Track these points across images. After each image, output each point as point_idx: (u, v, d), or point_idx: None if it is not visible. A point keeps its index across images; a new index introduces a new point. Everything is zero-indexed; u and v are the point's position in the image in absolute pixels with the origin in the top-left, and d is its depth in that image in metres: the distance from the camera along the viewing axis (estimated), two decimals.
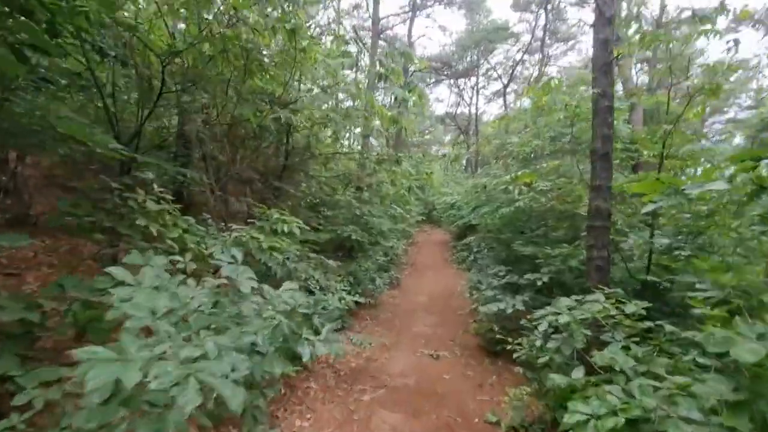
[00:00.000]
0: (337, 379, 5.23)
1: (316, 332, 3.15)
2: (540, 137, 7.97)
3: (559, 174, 7.76)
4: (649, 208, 2.77)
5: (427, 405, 4.75)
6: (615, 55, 5.10)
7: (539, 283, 5.35)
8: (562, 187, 6.40)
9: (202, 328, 1.99)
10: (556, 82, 5.91)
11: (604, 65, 4.95)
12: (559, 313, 3.37)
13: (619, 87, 12.86)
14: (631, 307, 3.08)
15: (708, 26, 5.23)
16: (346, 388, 5.01)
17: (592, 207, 4.85)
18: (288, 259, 5.46)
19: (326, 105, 7.77)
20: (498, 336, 4.53)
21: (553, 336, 3.32)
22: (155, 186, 3.12)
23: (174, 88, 4.57)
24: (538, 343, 3.34)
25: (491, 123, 14.44)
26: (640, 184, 2.65)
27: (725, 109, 22.14)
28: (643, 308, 3.26)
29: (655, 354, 2.79)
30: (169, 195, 3.13)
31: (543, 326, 3.37)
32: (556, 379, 2.69)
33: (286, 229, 3.43)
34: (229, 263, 2.78)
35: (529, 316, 3.92)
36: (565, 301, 3.68)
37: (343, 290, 5.62)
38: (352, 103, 9.12)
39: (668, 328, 3.17)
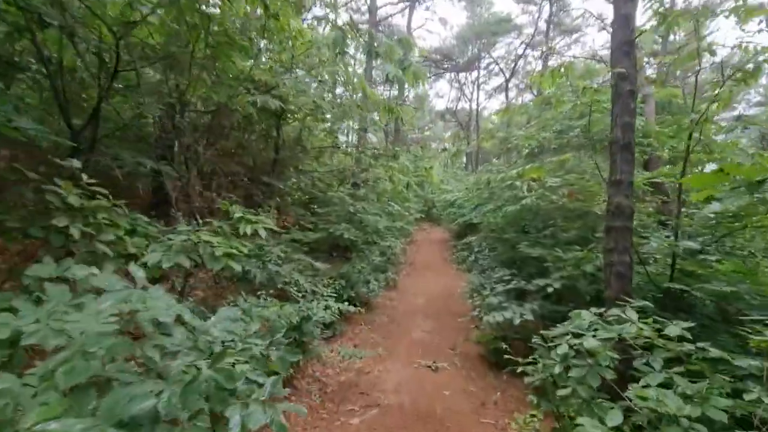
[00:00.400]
0: (324, 396, 4.64)
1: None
2: (546, 130, 7.35)
3: (566, 169, 7.15)
4: (714, 208, 2.18)
5: (424, 431, 4.16)
6: (637, 34, 4.49)
7: (550, 289, 4.76)
8: (574, 183, 5.80)
9: (74, 383, 1.38)
10: (565, 69, 5.28)
11: (625, 44, 4.33)
12: (581, 334, 2.77)
13: None
14: (673, 329, 2.48)
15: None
16: (333, 409, 4.42)
17: (611, 205, 4.25)
18: (270, 261, 4.87)
19: (314, 90, 7.11)
20: (506, 354, 3.91)
21: (574, 361, 2.72)
22: (84, 177, 2.52)
23: (133, 65, 3.96)
24: (556, 369, 2.75)
25: (495, 114, 13.78)
26: (699, 177, 2.07)
27: (734, 105, 21.52)
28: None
29: (707, 389, 2.19)
30: (103, 189, 2.54)
31: (562, 349, 2.78)
32: (587, 426, 2.09)
33: (248, 231, 2.83)
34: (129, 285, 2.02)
35: (543, 332, 3.31)
36: (586, 315, 3.08)
37: (332, 296, 5.02)
38: (347, 95, 8.48)
39: (714, 352, 2.58)
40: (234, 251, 2.43)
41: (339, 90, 8.89)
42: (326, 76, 8.19)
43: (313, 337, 4.59)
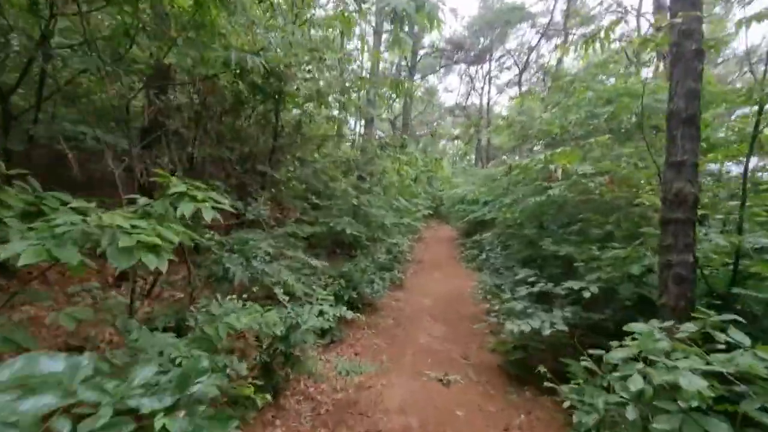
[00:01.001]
0: (315, 419, 3.85)
1: None
2: (572, 114, 6.48)
3: (593, 158, 6.27)
4: None
5: None
6: None
7: (586, 294, 3.92)
8: (610, 170, 4.93)
9: None
10: (605, 32, 4.44)
11: None
12: (654, 361, 1.95)
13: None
14: None
15: None
16: None
17: (669, 192, 3.40)
18: (255, 258, 4.09)
19: (311, 59, 6.32)
20: (529, 367, 3.09)
21: (661, 404, 1.90)
22: None
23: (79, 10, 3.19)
24: (630, 413, 1.92)
25: (511, 100, 12.84)
26: None
27: None
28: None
29: None
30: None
31: (636, 383, 1.95)
32: None
33: (187, 213, 2.05)
34: None
35: (591, 352, 2.49)
36: (651, 333, 2.26)
37: (327, 299, 4.23)
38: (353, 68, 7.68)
39: None
40: (156, 240, 1.67)
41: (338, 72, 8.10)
42: (330, 56, 7.39)
43: (305, 347, 3.81)
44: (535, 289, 4.44)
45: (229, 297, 3.44)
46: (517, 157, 11.25)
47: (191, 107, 6.45)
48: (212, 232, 3.98)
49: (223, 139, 7.02)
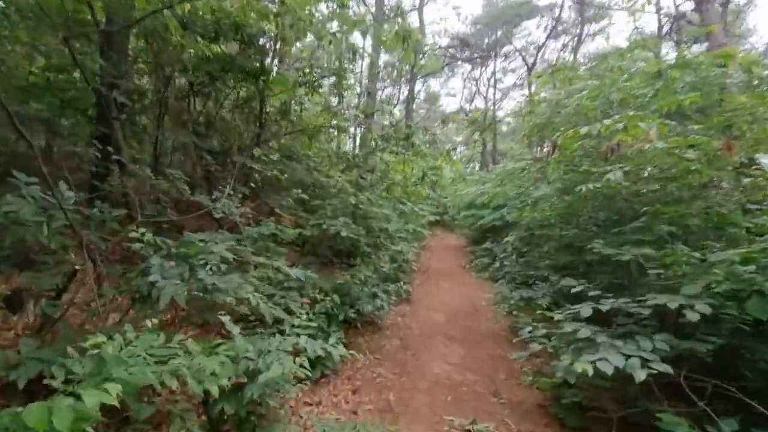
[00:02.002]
0: None
1: None
2: (610, 93, 5.19)
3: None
4: None
5: None
6: None
7: (693, 316, 2.56)
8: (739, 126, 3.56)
9: None
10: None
11: None
12: None
13: None
14: None
15: None
16: None
17: None
18: (205, 266, 2.76)
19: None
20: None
21: None
22: None
23: None
24: None
25: (535, 76, 11.49)
26: None
27: None
28: None
29: None
30: None
31: None
32: None
33: None
34: None
35: None
36: None
37: (308, 326, 2.90)
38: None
39: None
40: None
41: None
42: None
43: (273, 399, 2.45)
44: (607, 306, 3.08)
45: (151, 323, 2.11)
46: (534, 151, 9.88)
47: (154, 86, 5.22)
48: (143, 230, 2.67)
49: (198, 126, 5.73)
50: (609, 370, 2.56)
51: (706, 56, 5.41)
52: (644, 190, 4.20)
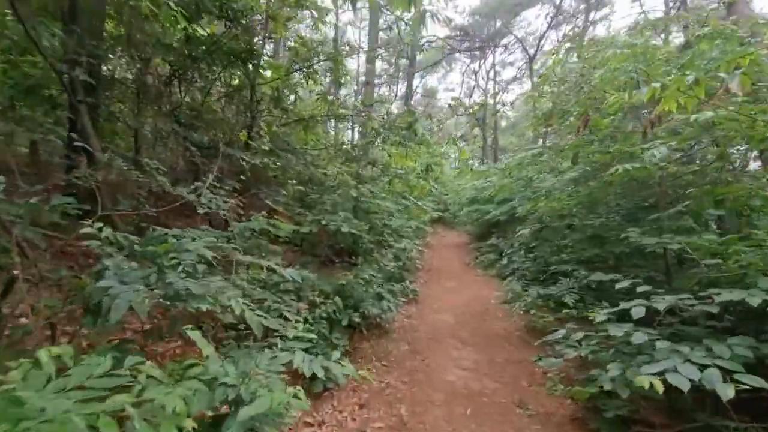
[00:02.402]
0: None
1: None
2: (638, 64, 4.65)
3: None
4: None
5: None
6: None
7: None
8: None
9: None
10: None
11: None
12: None
13: None
14: None
15: None
16: None
17: None
18: (178, 268, 2.23)
19: None
20: None
21: None
22: None
23: None
24: None
25: (551, 52, 10.86)
26: None
27: None
28: None
29: None
30: None
31: None
32: None
33: None
34: None
35: None
36: None
37: (305, 338, 2.38)
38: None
39: None
40: None
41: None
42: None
43: None
44: (661, 304, 2.56)
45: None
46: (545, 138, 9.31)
47: (131, 70, 4.69)
48: (99, 225, 2.14)
49: (181, 114, 5.20)
50: (685, 386, 2.03)
51: (735, 25, 4.89)
52: (686, 170, 3.69)
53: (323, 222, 4.62)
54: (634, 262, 4.19)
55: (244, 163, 4.38)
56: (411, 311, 7.52)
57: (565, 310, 4.00)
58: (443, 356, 5.33)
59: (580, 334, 3.20)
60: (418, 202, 8.36)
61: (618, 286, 3.05)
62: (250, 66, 5.23)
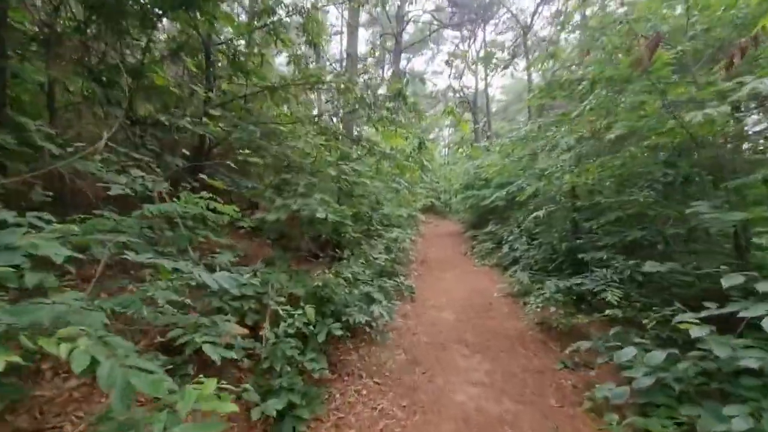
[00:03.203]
0: None
1: None
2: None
3: None
4: None
5: None
6: None
7: None
8: None
9: None
10: None
11: None
12: None
13: None
14: None
15: None
16: None
17: None
18: None
19: None
20: None
21: None
22: None
23: None
24: None
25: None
26: None
27: None
28: None
29: None
30: None
31: None
32: None
33: None
34: None
35: None
36: None
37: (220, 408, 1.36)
38: None
39: None
40: None
41: None
42: None
43: None
44: None
45: None
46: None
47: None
48: None
49: (103, 72, 4.02)
50: None
51: None
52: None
53: (294, 207, 3.56)
54: (692, 246, 3.25)
55: (196, 136, 3.28)
56: (406, 309, 6.54)
57: (607, 311, 3.02)
58: (448, 367, 4.35)
59: (658, 355, 2.23)
60: (411, 187, 7.31)
61: (728, 284, 2.08)
62: (198, 14, 4.08)
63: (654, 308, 3.00)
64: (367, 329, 3.86)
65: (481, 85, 20.41)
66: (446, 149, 27.53)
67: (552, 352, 4.60)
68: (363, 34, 20.17)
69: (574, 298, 4.50)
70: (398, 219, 8.18)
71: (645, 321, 2.78)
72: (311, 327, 2.94)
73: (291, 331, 2.76)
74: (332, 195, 4.72)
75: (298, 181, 4.43)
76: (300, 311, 2.82)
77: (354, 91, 5.21)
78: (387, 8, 11.21)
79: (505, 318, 6.17)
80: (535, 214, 5.31)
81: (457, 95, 19.37)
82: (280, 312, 2.78)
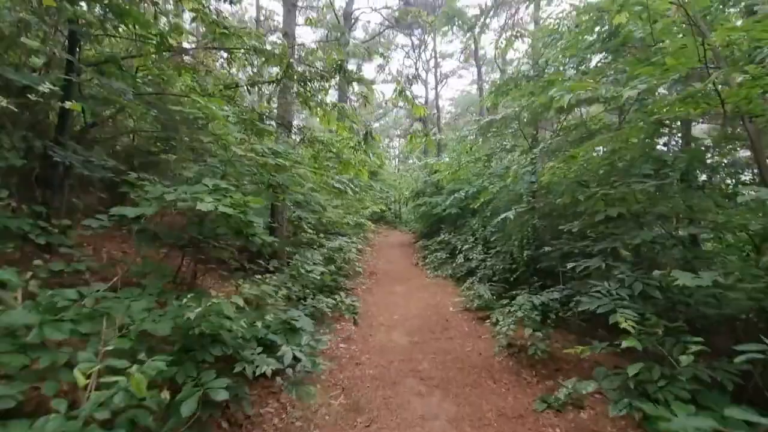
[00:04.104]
0: None
1: None
2: None
3: None
4: None
5: None
6: None
7: None
8: None
9: None
10: None
11: None
12: None
13: None
14: None
15: None
16: None
17: None
18: None
19: None
20: None
21: None
22: None
23: None
24: None
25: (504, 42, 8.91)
26: None
27: None
28: None
29: None
30: None
31: None
32: None
33: None
34: None
35: None
36: None
37: None
38: None
39: None
40: None
41: None
42: None
43: None
44: None
45: None
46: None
47: None
48: None
49: None
50: None
51: None
52: None
53: (170, 197, 2.28)
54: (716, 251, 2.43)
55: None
56: (350, 332, 5.33)
57: (624, 341, 2.06)
58: (401, 413, 3.21)
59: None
60: (356, 188, 6.20)
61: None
62: None
63: (682, 335, 2.12)
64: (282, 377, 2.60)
65: (431, 95, 20.05)
66: (396, 160, 26.90)
67: (528, 385, 3.64)
68: (309, 35, 18.84)
69: (555, 316, 3.59)
70: (344, 227, 7.01)
71: (678, 355, 1.87)
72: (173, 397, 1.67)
73: (131, 403, 1.49)
74: (247, 183, 3.44)
75: (180, 159, 3.12)
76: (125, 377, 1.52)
77: (284, 59, 4.01)
78: (336, 8, 10.20)
79: (465, 338, 5.18)
80: (504, 215, 4.37)
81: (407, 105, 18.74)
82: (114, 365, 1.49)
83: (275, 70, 4.42)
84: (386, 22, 13.60)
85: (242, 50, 4.06)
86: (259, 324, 2.48)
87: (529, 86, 5.07)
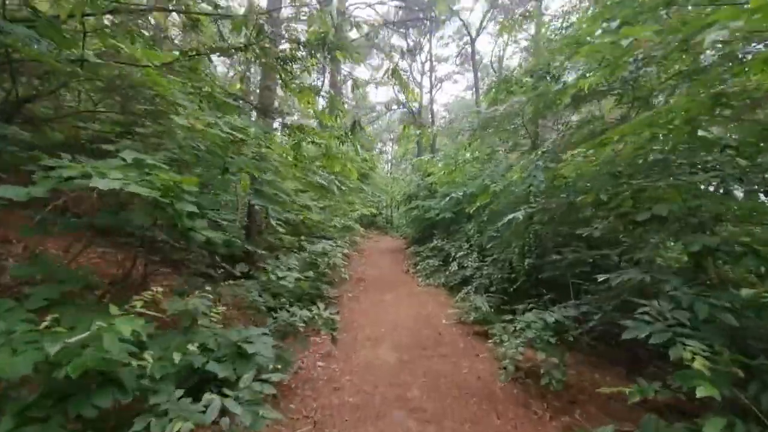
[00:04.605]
0: None
1: None
2: None
3: None
4: None
5: None
6: None
7: None
8: None
9: None
10: None
11: None
12: None
13: None
14: None
15: None
16: None
17: None
18: None
19: None
20: None
21: None
22: None
23: None
24: None
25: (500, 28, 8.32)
26: None
27: None
28: None
29: None
30: None
31: None
32: None
33: None
34: None
35: None
36: None
37: None
38: None
39: None
40: None
41: None
42: None
43: None
44: None
45: None
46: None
47: None
48: None
49: None
50: None
51: None
52: None
53: (66, 173, 1.61)
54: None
55: None
56: (330, 352, 4.60)
57: (700, 389, 1.40)
58: None
59: None
60: (342, 186, 5.52)
61: None
62: None
63: None
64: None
65: (426, 99, 19.53)
66: (389, 164, 26.30)
67: (540, 421, 2.97)
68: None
69: (572, 338, 2.95)
70: (330, 230, 6.33)
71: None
72: None
73: None
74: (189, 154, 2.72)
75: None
76: None
77: (254, 25, 3.34)
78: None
79: (461, 357, 4.51)
80: (511, 216, 3.71)
81: (402, 108, 18.25)
82: None
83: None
84: (381, 20, 13.04)
85: (203, 13, 3.38)
86: (193, 347, 1.79)
87: (557, 42, 4.39)
